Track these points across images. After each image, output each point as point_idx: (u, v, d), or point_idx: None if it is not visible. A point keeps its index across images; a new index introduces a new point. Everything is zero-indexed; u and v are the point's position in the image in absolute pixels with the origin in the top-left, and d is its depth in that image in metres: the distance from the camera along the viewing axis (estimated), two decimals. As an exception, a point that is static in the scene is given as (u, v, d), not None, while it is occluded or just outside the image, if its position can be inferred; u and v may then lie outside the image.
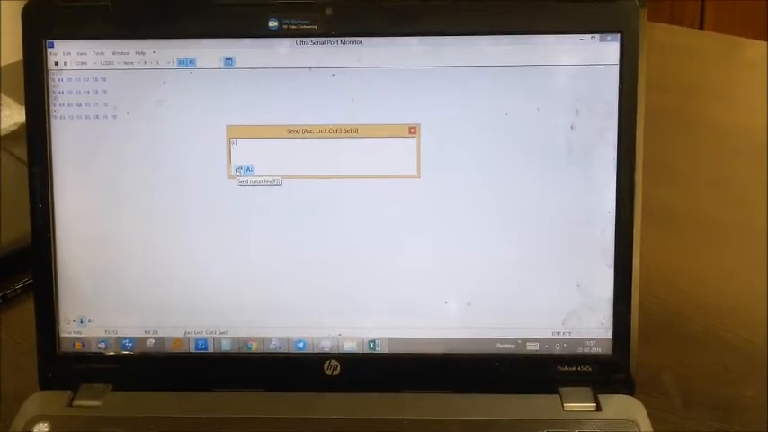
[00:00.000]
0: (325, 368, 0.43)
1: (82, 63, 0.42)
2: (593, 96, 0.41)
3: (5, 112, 0.77)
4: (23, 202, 0.44)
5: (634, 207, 0.42)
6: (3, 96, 0.79)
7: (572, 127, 0.42)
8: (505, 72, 0.42)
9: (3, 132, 0.75)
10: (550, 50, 0.41)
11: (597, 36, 0.41)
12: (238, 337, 0.44)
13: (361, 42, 0.42)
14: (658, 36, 0.99)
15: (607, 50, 0.41)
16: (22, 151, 0.69)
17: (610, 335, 0.43)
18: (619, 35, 0.41)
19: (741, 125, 0.76)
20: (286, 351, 0.43)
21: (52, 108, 0.43)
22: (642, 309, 0.42)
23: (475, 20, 0.42)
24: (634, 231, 0.42)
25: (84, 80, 0.42)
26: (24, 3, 0.43)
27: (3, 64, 0.88)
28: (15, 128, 0.76)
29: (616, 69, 0.41)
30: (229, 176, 0.43)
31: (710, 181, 0.68)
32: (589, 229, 0.42)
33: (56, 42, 0.42)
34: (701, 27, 1.50)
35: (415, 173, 0.42)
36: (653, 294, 0.52)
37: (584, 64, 0.41)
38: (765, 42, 0.94)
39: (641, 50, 0.41)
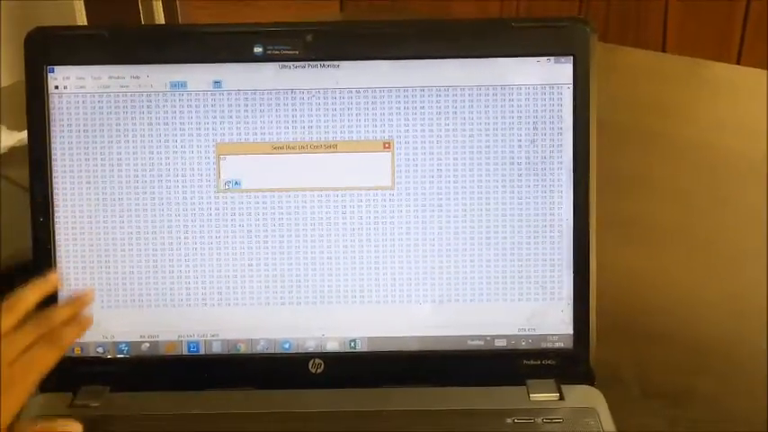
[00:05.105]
0: (310, 366, 0.46)
1: (81, 87, 0.46)
2: (549, 113, 0.46)
3: (-4, 135, 0.80)
4: (18, 221, 0.47)
5: (589, 214, 0.46)
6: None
7: (531, 141, 0.46)
8: (469, 91, 0.46)
9: (-4, 155, 0.77)
10: (510, 71, 0.46)
11: (552, 58, 0.45)
12: (228, 340, 0.47)
13: (338, 66, 0.46)
14: (623, 58, 1.04)
15: (561, 71, 0.45)
16: (14, 173, 0.71)
17: (571, 330, 0.46)
18: (572, 57, 0.45)
19: (697, 141, 0.81)
20: (273, 351, 0.47)
21: (52, 128, 0.46)
22: (602, 309, 0.46)
23: (442, 44, 0.46)
24: (590, 236, 0.46)
25: (83, 103, 0.46)
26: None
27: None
28: (5, 150, 0.78)
29: (570, 89, 0.45)
30: (219, 190, 0.46)
31: (666, 192, 0.72)
32: (549, 234, 0.46)
33: (56, 68, 0.46)
34: (664, 50, 1.57)
35: (390, 184, 0.46)
36: (612, 296, 0.56)
37: (541, 84, 0.46)
38: (722, 63, 0.99)
39: (592, 71, 0.45)
